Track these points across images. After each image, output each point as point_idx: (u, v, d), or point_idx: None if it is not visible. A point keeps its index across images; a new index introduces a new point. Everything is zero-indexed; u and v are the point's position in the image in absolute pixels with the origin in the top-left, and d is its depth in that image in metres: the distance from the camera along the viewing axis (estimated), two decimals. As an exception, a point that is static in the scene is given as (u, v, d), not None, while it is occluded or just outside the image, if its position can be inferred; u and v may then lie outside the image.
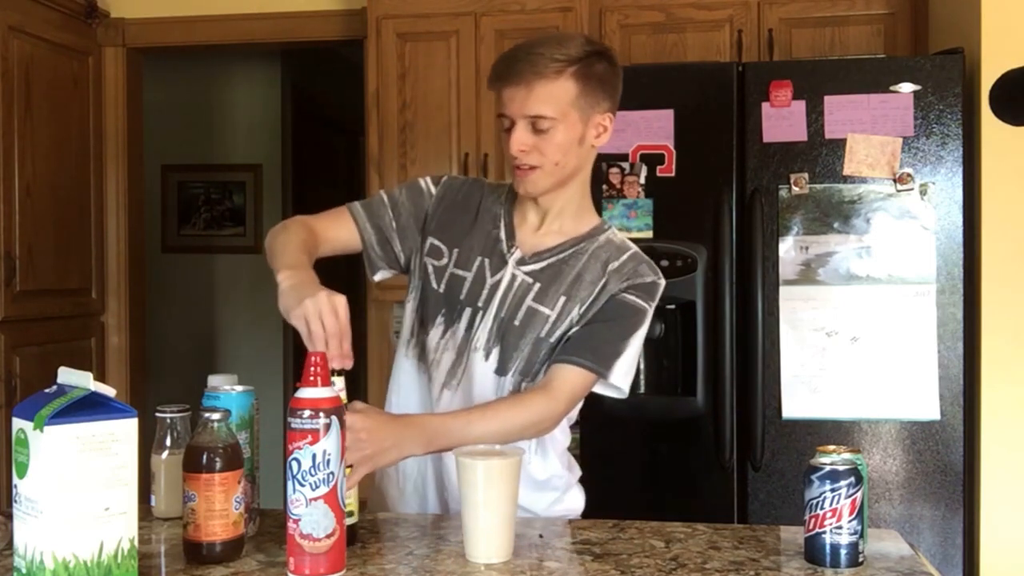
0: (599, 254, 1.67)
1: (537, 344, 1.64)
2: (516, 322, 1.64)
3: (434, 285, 1.69)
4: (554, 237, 1.69)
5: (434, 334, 1.69)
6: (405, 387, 1.74)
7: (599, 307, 1.64)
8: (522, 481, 1.62)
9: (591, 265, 1.66)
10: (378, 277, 1.79)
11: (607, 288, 1.64)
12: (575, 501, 1.80)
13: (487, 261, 1.68)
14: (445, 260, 1.70)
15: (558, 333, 1.64)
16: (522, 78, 1.56)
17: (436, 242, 1.71)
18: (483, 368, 1.66)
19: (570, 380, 1.60)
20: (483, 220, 1.72)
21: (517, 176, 1.63)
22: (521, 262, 1.67)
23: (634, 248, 1.71)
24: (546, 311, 1.64)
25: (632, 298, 1.64)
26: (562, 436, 1.76)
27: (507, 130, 1.61)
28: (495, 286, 1.66)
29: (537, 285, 1.65)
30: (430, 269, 1.70)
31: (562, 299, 1.64)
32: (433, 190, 1.75)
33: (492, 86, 1.62)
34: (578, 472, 1.83)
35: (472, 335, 1.66)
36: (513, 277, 1.66)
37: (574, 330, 1.64)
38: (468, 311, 1.67)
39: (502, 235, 1.70)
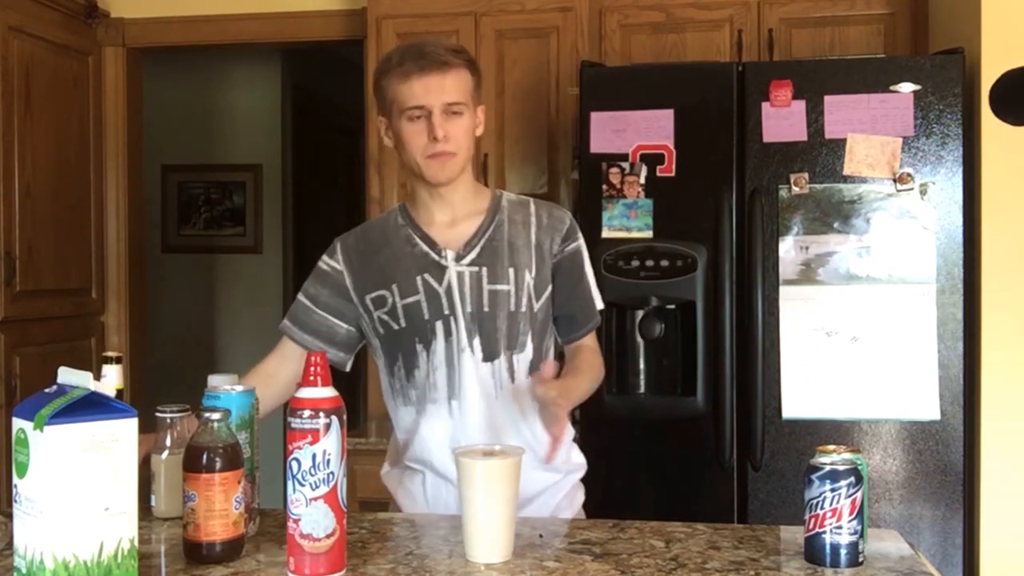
0: (514, 219, 1.81)
1: (511, 318, 1.75)
2: (486, 308, 1.74)
3: (395, 326, 1.77)
4: (469, 224, 1.79)
5: (421, 362, 1.76)
6: (426, 430, 1.77)
7: (555, 272, 1.80)
8: (524, 461, 1.65)
9: (514, 231, 1.79)
10: (349, 366, 1.87)
11: (544, 247, 1.79)
12: (579, 493, 1.87)
13: (427, 275, 1.76)
14: (391, 300, 1.77)
15: (524, 301, 1.76)
16: (437, 68, 1.70)
17: (374, 294, 1.79)
18: (472, 362, 1.74)
19: (591, 341, 1.86)
20: (398, 246, 1.80)
21: (437, 162, 1.73)
22: (458, 258, 1.76)
23: (528, 198, 1.88)
24: (505, 287, 1.75)
25: (572, 246, 1.82)
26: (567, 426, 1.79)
27: (417, 121, 1.71)
28: (449, 290, 1.75)
29: (484, 269, 1.75)
30: (384, 319, 1.78)
31: (511, 271, 1.76)
32: (335, 263, 1.84)
33: (401, 81, 1.71)
34: (582, 460, 1.88)
35: (453, 340, 1.74)
36: (460, 275, 1.75)
37: (558, 301, 1.80)
38: (439, 324, 1.74)
39: (424, 247, 1.78)
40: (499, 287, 1.74)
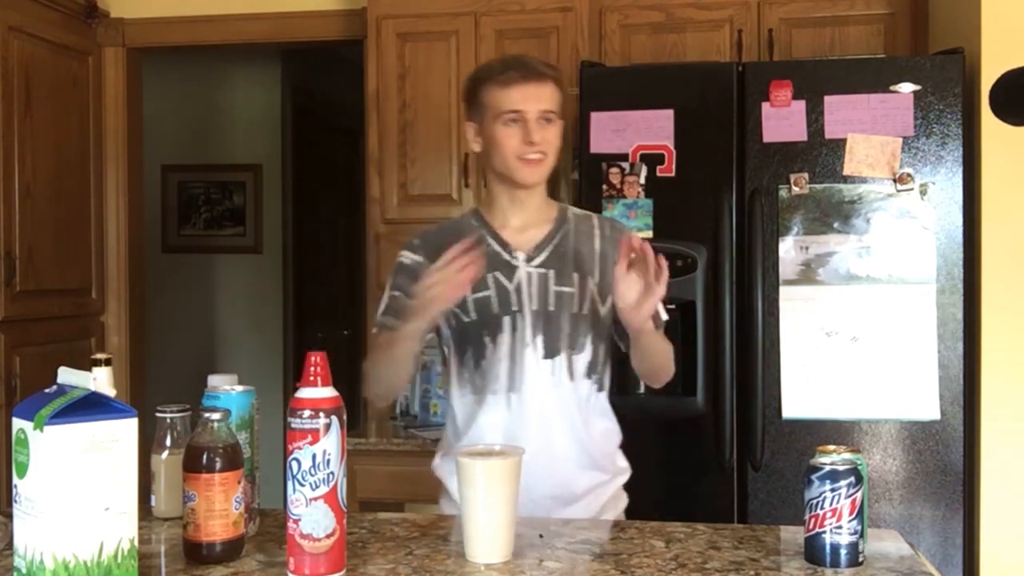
0: (580, 229, 1.92)
1: (574, 320, 1.84)
2: (551, 308, 1.83)
3: (465, 318, 1.85)
4: (539, 230, 1.89)
5: (488, 354, 1.84)
6: (484, 420, 1.83)
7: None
8: (574, 458, 1.83)
9: (580, 240, 1.90)
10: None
11: (608, 256, 1.87)
12: (623, 497, 1.95)
13: (498, 274, 1.85)
14: (463, 293, 1.81)
15: (587, 305, 1.85)
16: (537, 78, 1.83)
17: None
18: (533, 358, 1.83)
19: None
20: None
21: (528, 166, 1.83)
22: (529, 260, 1.86)
23: (591, 212, 2.02)
24: (570, 290, 1.84)
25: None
26: (617, 430, 1.95)
27: (512, 125, 1.81)
28: (518, 289, 1.84)
29: (552, 272, 1.85)
30: (455, 311, 1.84)
31: (576, 276, 1.85)
32: (416, 256, 1.90)
33: (502, 87, 1.82)
34: (626, 465, 1.98)
35: (517, 335, 1.83)
36: (529, 275, 1.85)
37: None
38: (507, 319, 1.83)
39: (496, 247, 1.87)
40: (565, 289, 1.84)
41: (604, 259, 1.88)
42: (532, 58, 1.88)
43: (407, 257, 1.91)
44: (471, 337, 1.85)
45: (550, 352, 1.83)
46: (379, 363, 1.85)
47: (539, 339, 1.82)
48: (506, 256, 1.87)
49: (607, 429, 1.92)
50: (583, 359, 1.85)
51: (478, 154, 1.92)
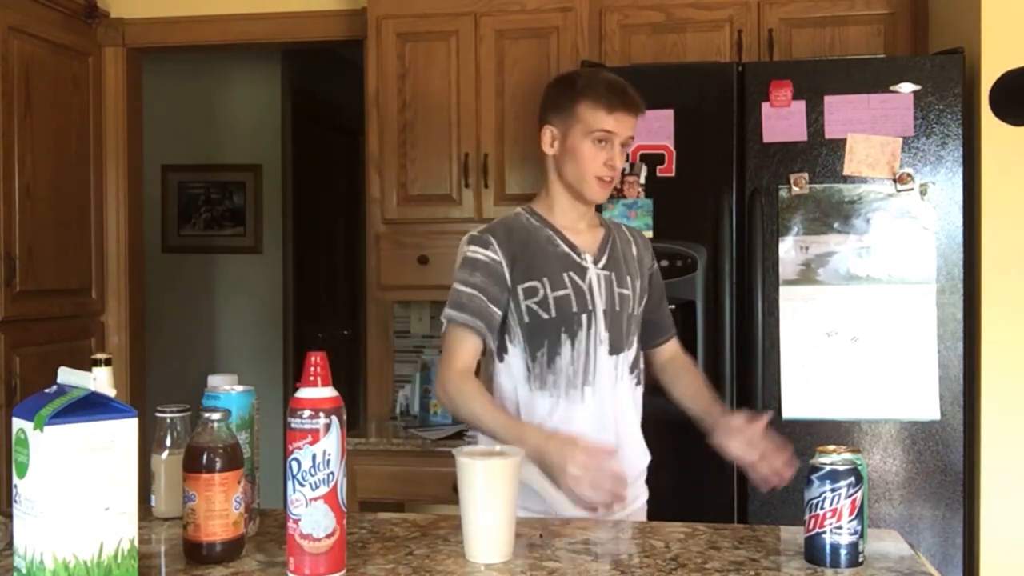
0: (620, 234, 2.06)
1: (629, 320, 1.98)
2: (616, 308, 1.96)
3: (544, 316, 1.92)
4: (594, 234, 2.01)
5: (564, 351, 1.92)
6: (565, 414, 1.90)
7: (651, 284, 2.06)
8: (636, 444, 2.00)
9: (624, 246, 2.03)
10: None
11: (643, 262, 2.05)
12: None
13: (571, 273, 1.94)
14: (542, 291, 1.92)
15: (637, 306, 2.01)
16: (634, 109, 1.95)
17: (526, 284, 1.92)
18: (603, 353, 1.93)
19: (680, 347, 2.17)
20: (542, 246, 1.96)
21: (601, 185, 1.94)
22: (596, 262, 1.97)
23: (619, 222, 2.16)
24: (627, 291, 1.98)
25: (656, 265, 2.12)
26: None
27: (599, 144, 1.91)
28: (591, 289, 1.94)
29: (613, 274, 1.97)
30: (533, 308, 1.92)
31: (628, 278, 1.99)
32: (493, 255, 1.93)
33: (605, 109, 1.91)
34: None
35: (592, 333, 1.93)
36: (598, 276, 1.96)
37: (648, 308, 2.05)
38: (584, 317, 1.92)
39: (565, 249, 1.96)
40: (624, 291, 1.97)
41: (640, 264, 2.04)
42: (629, 86, 1.96)
43: (482, 254, 1.92)
44: (548, 333, 1.91)
45: (614, 349, 1.94)
46: (467, 416, 1.86)
47: (607, 336, 1.94)
48: (575, 257, 1.95)
49: (640, 419, 2.06)
50: (630, 356, 1.99)
51: (548, 156, 1.98)
